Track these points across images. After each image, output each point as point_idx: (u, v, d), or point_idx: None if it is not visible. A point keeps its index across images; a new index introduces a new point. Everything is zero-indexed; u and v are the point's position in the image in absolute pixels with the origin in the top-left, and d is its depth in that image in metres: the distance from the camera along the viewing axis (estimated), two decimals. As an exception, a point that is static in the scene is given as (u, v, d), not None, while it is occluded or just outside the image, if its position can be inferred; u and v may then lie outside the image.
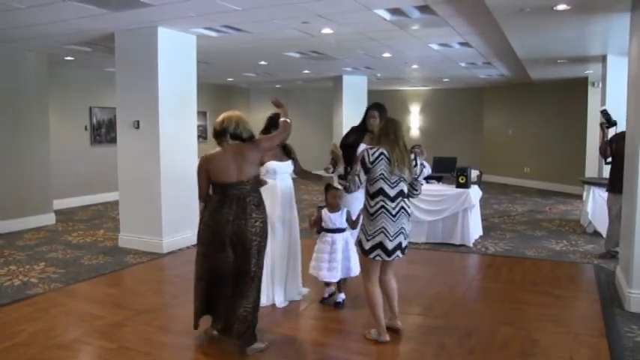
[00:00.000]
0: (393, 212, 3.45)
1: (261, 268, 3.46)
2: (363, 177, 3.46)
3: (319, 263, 4.21)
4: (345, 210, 4.22)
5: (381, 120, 4.56)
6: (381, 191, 3.45)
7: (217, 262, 3.41)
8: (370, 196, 3.48)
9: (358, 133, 4.70)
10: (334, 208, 4.20)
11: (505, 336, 3.71)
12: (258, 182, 3.55)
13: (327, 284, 4.37)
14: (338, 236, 4.20)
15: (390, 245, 3.46)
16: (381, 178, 3.44)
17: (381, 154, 3.45)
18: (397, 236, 3.48)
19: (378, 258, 3.48)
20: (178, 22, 5.79)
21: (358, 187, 3.53)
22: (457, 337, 3.68)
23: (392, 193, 3.46)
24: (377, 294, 3.58)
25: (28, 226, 7.56)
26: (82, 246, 6.59)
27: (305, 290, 4.56)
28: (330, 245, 4.18)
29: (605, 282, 5.02)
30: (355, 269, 4.24)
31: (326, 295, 4.38)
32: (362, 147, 4.64)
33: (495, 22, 5.37)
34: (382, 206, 3.44)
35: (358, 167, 3.46)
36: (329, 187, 4.25)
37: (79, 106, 9.70)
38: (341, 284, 4.35)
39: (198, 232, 3.51)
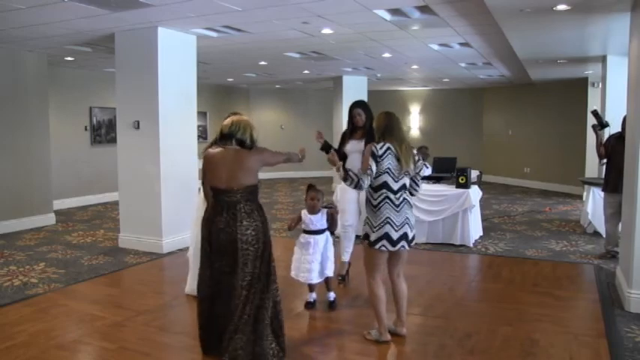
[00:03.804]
0: (397, 202, 3.50)
1: (258, 278, 3.20)
2: (375, 169, 3.45)
3: (302, 265, 4.15)
4: (325, 211, 4.19)
5: (367, 115, 4.75)
6: (384, 185, 3.48)
7: (216, 275, 3.28)
8: (373, 189, 3.50)
9: (349, 131, 4.93)
10: (312, 209, 4.16)
11: (505, 336, 3.71)
12: (253, 192, 3.29)
13: (311, 289, 4.32)
14: (319, 237, 4.14)
15: (395, 235, 3.47)
16: (387, 172, 3.47)
17: (388, 148, 3.48)
18: (402, 227, 3.51)
19: (383, 248, 3.47)
20: (178, 22, 5.79)
21: (370, 181, 3.48)
22: (457, 338, 3.68)
23: (395, 186, 3.50)
24: (381, 292, 3.57)
25: (28, 226, 7.56)
26: (82, 246, 6.59)
27: None
28: (312, 247, 4.12)
29: (605, 282, 5.01)
30: (330, 270, 4.22)
31: (310, 299, 4.31)
32: (351, 144, 4.81)
33: (495, 23, 5.37)
34: (386, 197, 3.47)
35: (371, 163, 3.44)
36: (309, 187, 4.22)
37: (79, 107, 9.70)
38: (329, 283, 4.29)
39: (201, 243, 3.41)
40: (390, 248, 3.49)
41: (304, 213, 4.18)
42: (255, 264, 3.21)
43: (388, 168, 3.47)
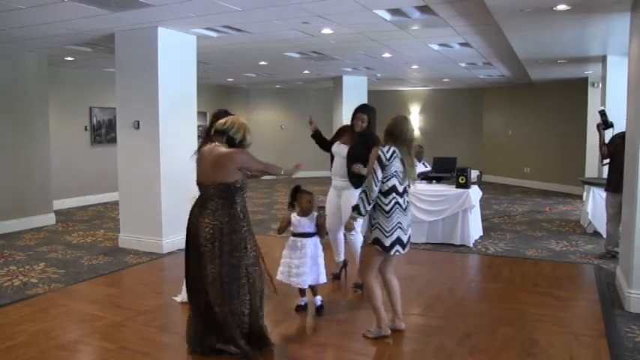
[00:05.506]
0: (404, 206, 3.58)
1: (221, 282, 3.19)
2: (381, 175, 3.47)
3: (288, 269, 4.10)
4: (315, 215, 4.12)
5: (371, 121, 4.58)
6: (393, 188, 3.51)
7: (192, 265, 3.34)
8: (383, 194, 3.51)
9: (344, 132, 4.81)
10: (306, 212, 4.09)
11: (505, 336, 3.71)
12: (226, 190, 3.23)
13: (302, 293, 4.25)
14: (307, 241, 4.06)
15: (404, 238, 3.57)
16: (394, 176, 3.50)
17: (394, 151, 3.51)
18: (409, 228, 3.61)
19: (397, 253, 3.55)
20: (178, 22, 5.79)
21: (378, 186, 3.49)
22: (457, 338, 3.68)
23: (401, 189, 3.56)
24: (377, 286, 3.63)
25: (28, 226, 7.56)
26: (82, 246, 6.59)
27: None
28: (299, 250, 4.06)
29: (605, 282, 5.01)
30: (323, 276, 4.15)
31: (301, 303, 4.25)
32: (337, 147, 4.74)
33: (495, 23, 5.37)
34: (396, 202, 3.52)
35: (375, 167, 3.46)
36: (301, 191, 4.10)
37: (79, 107, 9.70)
38: (315, 288, 4.21)
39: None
40: (402, 252, 3.57)
41: (294, 215, 4.13)
42: (213, 264, 3.20)
43: (395, 171, 3.50)
